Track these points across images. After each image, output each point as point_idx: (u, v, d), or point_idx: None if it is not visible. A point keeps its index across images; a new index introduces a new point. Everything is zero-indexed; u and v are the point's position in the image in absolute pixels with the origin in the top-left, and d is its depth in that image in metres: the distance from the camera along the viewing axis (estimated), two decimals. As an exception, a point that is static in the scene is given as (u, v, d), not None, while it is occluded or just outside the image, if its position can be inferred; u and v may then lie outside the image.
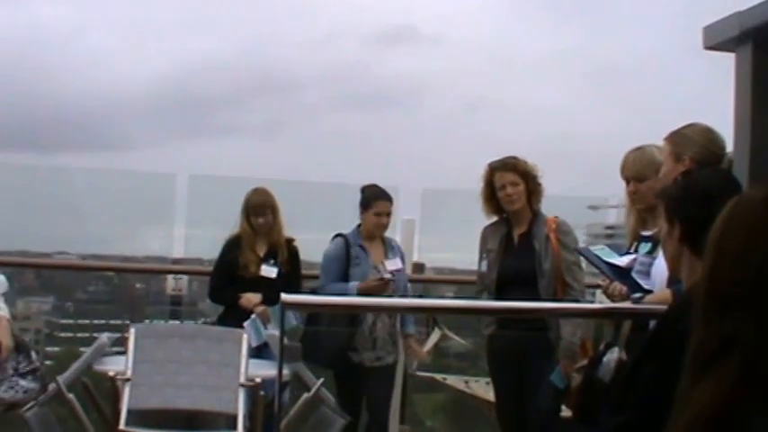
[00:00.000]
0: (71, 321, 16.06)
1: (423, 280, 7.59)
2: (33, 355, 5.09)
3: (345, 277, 6.69)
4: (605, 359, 4.52)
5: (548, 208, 6.27)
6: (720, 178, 3.14)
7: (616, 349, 4.50)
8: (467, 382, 7.80)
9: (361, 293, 6.50)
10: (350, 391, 6.73)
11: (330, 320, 6.60)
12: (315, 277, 7.67)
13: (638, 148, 5.16)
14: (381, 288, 6.57)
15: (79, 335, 14.75)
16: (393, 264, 6.79)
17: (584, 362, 5.05)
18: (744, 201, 2.04)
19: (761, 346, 1.85)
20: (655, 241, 5.14)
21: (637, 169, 5.11)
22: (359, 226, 6.90)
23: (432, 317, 7.24)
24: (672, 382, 2.65)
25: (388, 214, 6.82)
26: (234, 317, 6.51)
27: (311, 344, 6.60)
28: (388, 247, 6.91)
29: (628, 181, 5.12)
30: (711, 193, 2.83)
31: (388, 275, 6.64)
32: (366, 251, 6.77)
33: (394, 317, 6.74)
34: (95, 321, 14.59)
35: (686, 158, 4.33)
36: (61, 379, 5.49)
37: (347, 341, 6.59)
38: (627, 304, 4.51)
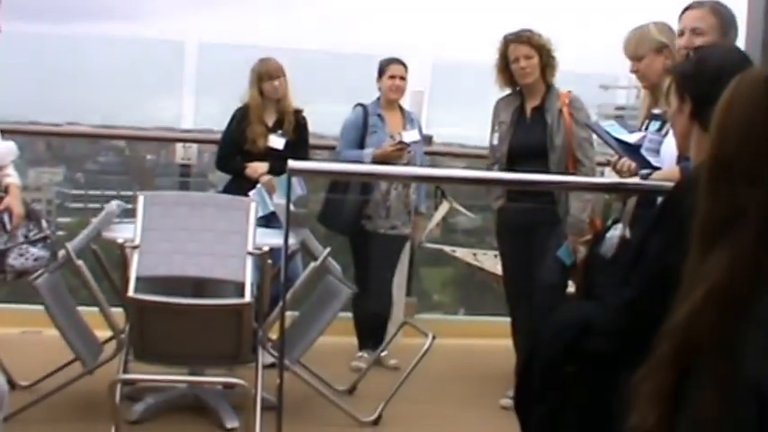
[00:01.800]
0: (82, 192, 16.08)
1: (432, 152, 7.58)
2: (44, 223, 5.10)
3: (362, 146, 6.74)
4: (608, 235, 4.53)
5: (559, 85, 6.23)
6: (734, 55, 3.09)
7: (620, 226, 4.51)
8: (475, 255, 7.82)
9: (376, 160, 6.55)
10: (362, 260, 6.84)
11: (344, 188, 6.67)
12: (324, 148, 7.72)
13: (637, 27, 5.18)
14: (397, 155, 6.62)
15: (90, 205, 14.79)
16: (411, 135, 6.84)
17: (589, 237, 5.08)
18: (747, 77, 2.04)
19: None
20: (663, 119, 5.13)
21: (634, 48, 5.12)
22: (378, 98, 6.94)
23: (440, 189, 7.26)
24: (679, 257, 2.66)
25: (402, 78, 6.92)
26: (239, 187, 6.55)
27: (328, 211, 6.71)
28: (407, 119, 6.96)
29: (630, 59, 5.14)
30: (723, 70, 2.79)
31: (404, 141, 6.68)
32: (384, 120, 6.86)
33: (408, 186, 6.79)
34: (106, 192, 14.58)
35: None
36: (71, 245, 5.51)
37: (360, 209, 6.67)
38: (635, 180, 4.51)
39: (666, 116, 5.15)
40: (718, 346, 1.86)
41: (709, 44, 4.09)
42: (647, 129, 4.83)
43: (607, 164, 5.50)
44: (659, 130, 4.83)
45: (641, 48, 5.12)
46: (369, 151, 6.71)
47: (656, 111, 5.21)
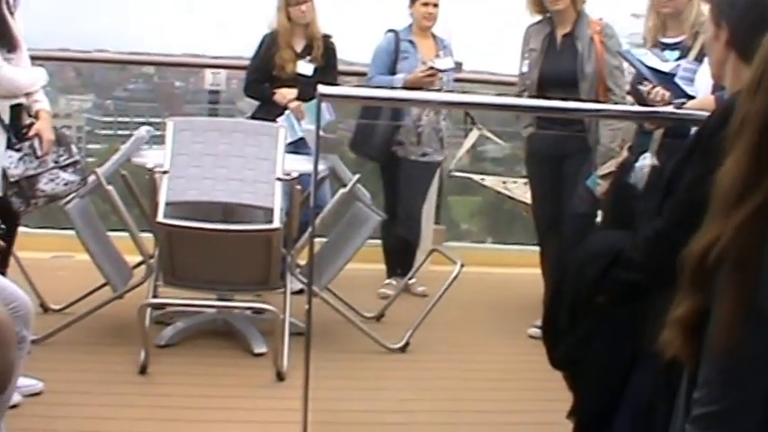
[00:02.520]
0: (111, 119, 16.11)
1: (461, 80, 7.52)
2: (74, 148, 5.09)
3: (393, 72, 6.70)
4: (638, 165, 4.50)
5: (590, 12, 6.15)
6: None
7: (648, 155, 4.48)
8: (504, 183, 7.77)
9: (407, 86, 6.51)
10: (392, 186, 6.83)
11: (376, 114, 6.63)
12: (353, 74, 7.68)
13: None
14: (429, 81, 6.57)
15: (119, 132, 14.82)
16: (444, 62, 6.78)
17: (611, 166, 5.03)
18: None
19: None
20: (683, 48, 5.06)
21: None
22: (410, 25, 6.89)
23: (470, 117, 7.21)
24: (710, 187, 2.62)
25: (435, 5, 6.83)
26: (268, 113, 6.52)
27: (359, 137, 6.69)
28: (440, 46, 6.90)
29: None
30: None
31: (435, 67, 6.63)
32: (416, 47, 6.80)
33: (439, 113, 6.75)
34: (135, 119, 14.60)
35: None
36: (101, 171, 5.51)
37: (392, 135, 6.64)
38: (668, 109, 4.46)
39: (682, 45, 5.12)
40: (748, 268, 1.84)
41: None
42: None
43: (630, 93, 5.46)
44: (678, 59, 4.79)
45: None
46: (400, 77, 6.65)
47: (666, 40, 5.16)
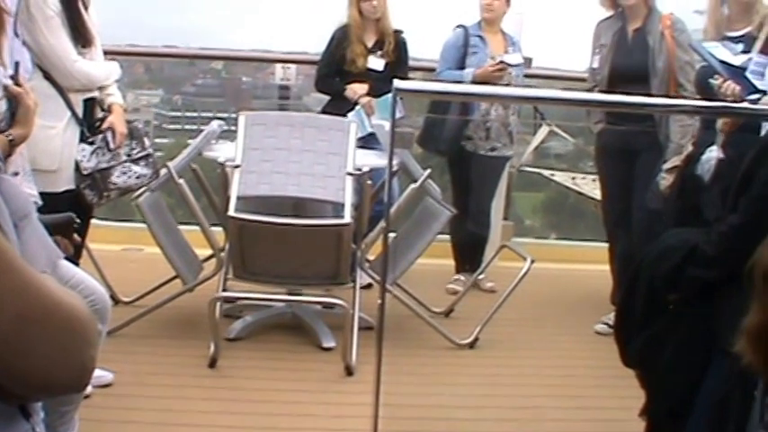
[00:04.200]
0: (179, 114, 16.23)
1: (530, 75, 7.46)
2: (146, 141, 5.12)
3: (462, 66, 6.65)
4: (704, 157, 4.43)
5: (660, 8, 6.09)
6: None
7: (714, 148, 4.41)
8: (574, 179, 7.72)
9: (476, 80, 6.47)
10: (461, 181, 6.80)
11: (445, 108, 6.59)
12: (421, 69, 7.65)
13: None
14: (498, 75, 6.52)
15: (187, 127, 14.93)
16: (513, 58, 6.72)
17: (676, 160, 4.96)
18: None
19: None
20: (747, 41, 4.99)
21: None
22: (479, 21, 6.86)
23: (539, 113, 7.16)
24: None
25: None
26: (338, 107, 6.49)
27: (428, 132, 6.67)
28: (509, 42, 6.85)
29: None
30: None
31: (505, 61, 6.58)
32: (485, 42, 6.75)
33: (507, 108, 6.70)
34: (203, 114, 14.69)
35: None
36: (172, 164, 5.52)
37: (461, 129, 6.60)
38: (741, 104, 4.39)
39: (746, 37, 5.04)
40: None
41: None
42: None
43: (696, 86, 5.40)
44: (743, 53, 4.72)
45: None
46: (469, 71, 6.60)
47: (732, 33, 5.09)
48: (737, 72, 4.52)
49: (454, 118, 6.60)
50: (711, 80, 4.81)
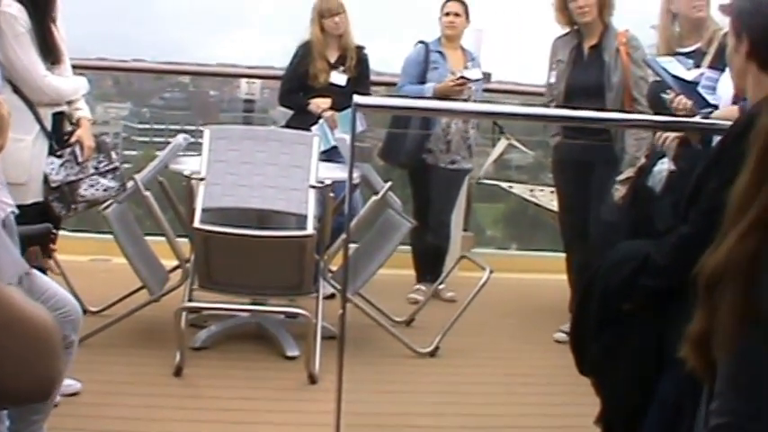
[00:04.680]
0: (147, 126, 16.19)
1: (489, 90, 7.50)
2: (113, 155, 5.12)
3: (423, 81, 6.70)
4: (656, 169, 4.48)
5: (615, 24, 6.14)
6: None
7: (666, 160, 4.45)
8: (532, 191, 7.77)
9: (437, 95, 6.51)
10: (422, 193, 6.83)
11: (406, 122, 6.63)
12: (383, 84, 7.68)
13: None
14: (458, 90, 6.56)
15: (155, 139, 14.89)
16: (473, 73, 6.78)
17: (630, 172, 5.01)
18: None
19: None
20: (697, 56, 5.04)
21: None
22: (439, 38, 6.92)
23: (498, 126, 7.20)
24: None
25: (457, 14, 6.83)
26: (302, 122, 6.51)
27: (389, 145, 6.70)
28: (469, 58, 6.90)
29: None
30: None
31: (465, 77, 6.63)
32: (445, 57, 6.79)
33: (467, 122, 6.75)
34: (171, 127, 14.65)
35: None
36: (139, 177, 5.52)
37: (422, 143, 6.63)
38: (695, 119, 4.43)
39: (697, 53, 5.10)
40: (745, 279, 1.83)
41: None
42: None
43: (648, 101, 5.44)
44: (696, 67, 4.77)
45: None
46: (430, 86, 6.64)
47: (683, 49, 5.15)
48: (690, 87, 4.56)
49: (415, 132, 6.63)
50: (664, 95, 4.86)
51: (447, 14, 6.86)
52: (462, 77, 6.64)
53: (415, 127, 6.67)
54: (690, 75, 4.60)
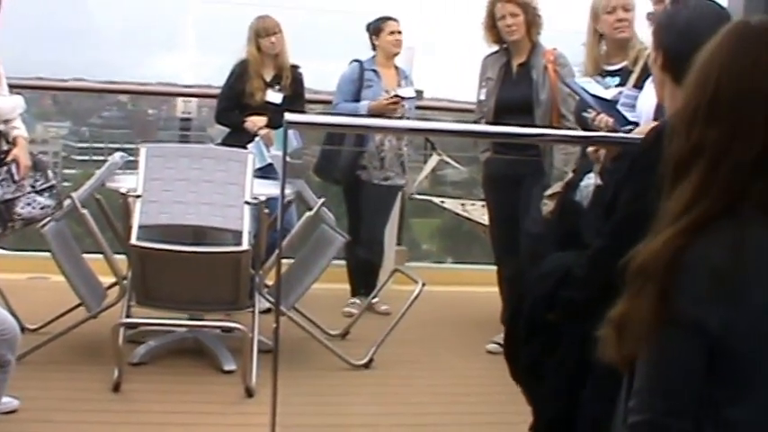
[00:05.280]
0: (87, 145, 16.05)
1: (421, 107, 7.55)
2: (50, 173, 5.10)
3: (358, 99, 6.74)
4: (582, 184, 4.53)
5: (544, 42, 6.20)
6: (706, 9, 2.90)
7: (592, 175, 4.50)
8: (463, 206, 7.80)
9: (371, 113, 6.54)
10: (356, 209, 6.85)
11: (340, 139, 6.66)
12: (319, 102, 7.71)
13: None
14: (392, 108, 6.61)
15: (94, 158, 14.75)
16: (406, 91, 6.82)
17: (557, 186, 5.07)
18: (733, 29, 2.04)
19: (724, 150, 1.90)
20: (623, 74, 5.12)
21: None
22: (373, 56, 6.94)
23: (430, 142, 7.25)
24: (645, 206, 2.65)
25: (400, 32, 6.88)
26: (238, 139, 6.52)
27: (324, 162, 6.72)
28: (402, 76, 6.94)
29: (613, 10, 5.16)
30: (692, 24, 2.72)
31: (399, 95, 6.67)
32: (379, 76, 6.82)
33: (401, 139, 6.79)
34: (110, 145, 14.55)
35: None
36: (76, 195, 5.49)
37: (356, 159, 6.66)
38: (617, 134, 4.48)
39: (623, 71, 5.18)
40: (667, 277, 1.88)
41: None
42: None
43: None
44: (619, 85, 4.83)
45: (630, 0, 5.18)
46: (364, 104, 6.68)
47: (610, 67, 5.22)
48: (609, 105, 4.61)
49: (349, 149, 6.66)
50: (585, 113, 4.93)
51: (392, 33, 6.90)
52: (396, 96, 6.68)
53: (350, 144, 6.70)
54: (608, 93, 4.64)
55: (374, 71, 6.87)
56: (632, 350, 1.94)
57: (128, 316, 5.53)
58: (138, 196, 5.33)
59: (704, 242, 1.89)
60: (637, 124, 4.41)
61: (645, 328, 1.89)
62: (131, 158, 5.91)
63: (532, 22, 6.07)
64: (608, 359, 2.00)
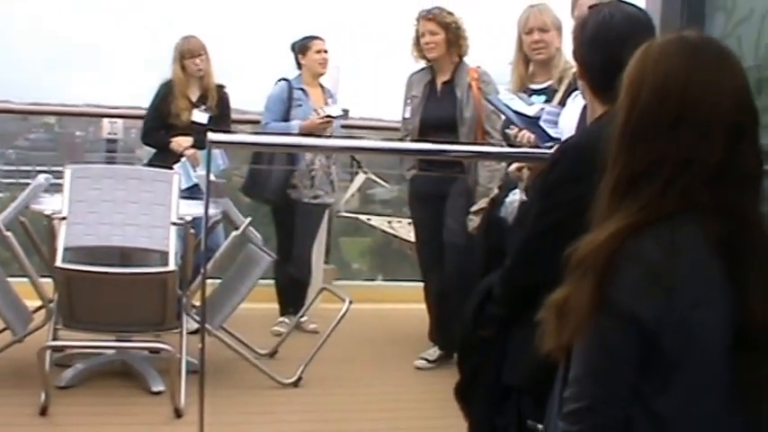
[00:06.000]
0: (13, 168, 15.86)
1: (349, 126, 7.58)
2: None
3: (287, 118, 6.71)
4: (507, 200, 4.57)
5: (472, 61, 6.26)
6: (619, 18, 2.78)
7: (517, 191, 4.55)
8: (390, 223, 7.84)
9: (303, 132, 6.54)
10: (285, 228, 6.84)
11: (269, 159, 6.65)
12: (247, 122, 7.70)
13: (540, 3, 5.40)
14: (324, 127, 6.62)
15: (21, 180, 14.58)
16: (333, 110, 6.82)
17: (483, 203, 5.12)
18: (656, 44, 2.08)
19: (684, 163, 1.95)
20: (549, 93, 5.19)
21: (543, 20, 5.25)
22: (299, 75, 6.93)
23: (356, 161, 7.27)
24: (553, 221, 2.68)
25: (326, 51, 6.88)
26: (164, 160, 6.49)
27: (252, 181, 6.70)
28: (327, 95, 6.95)
29: (530, 32, 5.23)
30: (603, 34, 2.75)
31: (331, 114, 6.68)
32: (307, 94, 6.82)
33: (329, 158, 6.80)
34: (37, 168, 14.39)
35: None
36: (0, 218, 5.44)
37: (288, 179, 6.64)
38: (540, 150, 4.52)
39: (549, 89, 5.25)
40: (606, 269, 1.93)
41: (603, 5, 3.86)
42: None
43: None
44: (545, 103, 4.89)
45: (548, 21, 5.25)
46: (296, 123, 6.66)
47: (535, 86, 5.29)
48: (531, 122, 4.65)
49: (277, 167, 6.64)
50: (508, 130, 4.99)
51: (318, 52, 6.90)
52: (329, 116, 6.69)
53: (280, 163, 6.68)
54: (531, 110, 4.69)
55: (302, 90, 6.87)
56: (570, 337, 1.99)
57: (54, 339, 5.45)
58: (64, 218, 5.29)
59: (641, 239, 1.94)
60: (559, 140, 4.46)
61: (582, 316, 1.95)
62: (57, 181, 5.86)
63: (453, 42, 6.11)
64: (546, 348, 2.05)
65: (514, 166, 4.63)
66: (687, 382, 1.96)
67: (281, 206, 6.86)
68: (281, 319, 6.89)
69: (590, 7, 3.15)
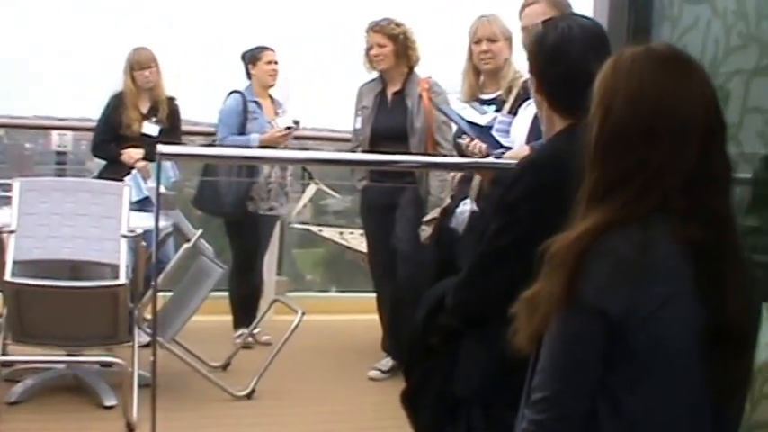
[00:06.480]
0: (-38, 179, 15.67)
1: (301, 137, 7.56)
2: None
3: (243, 131, 6.66)
4: (458, 210, 4.59)
5: (427, 71, 6.28)
6: (578, 31, 2.81)
7: (468, 201, 4.57)
8: (341, 234, 7.85)
9: (263, 145, 6.50)
10: (239, 240, 6.80)
11: (229, 171, 6.60)
12: (199, 134, 7.66)
13: (490, 14, 5.44)
14: (284, 140, 6.60)
15: (-30, 194, 14.42)
16: (285, 121, 6.78)
17: (435, 213, 5.13)
18: (626, 55, 2.11)
19: (660, 171, 2.00)
20: (498, 103, 5.21)
21: (492, 30, 5.28)
22: (249, 85, 6.87)
23: (308, 172, 7.26)
24: (509, 239, 2.69)
25: (276, 62, 6.84)
26: (115, 172, 6.45)
27: (203, 194, 6.65)
28: (277, 105, 6.92)
29: (479, 41, 5.27)
30: (563, 48, 2.76)
31: (289, 125, 6.65)
32: (261, 107, 6.78)
33: (285, 169, 6.77)
34: (-14, 181, 14.25)
35: None
36: (-54, 233, 5.37)
37: (247, 191, 6.59)
38: (490, 159, 4.54)
39: (498, 100, 5.27)
40: (576, 266, 1.97)
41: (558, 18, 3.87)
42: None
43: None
44: (496, 112, 4.91)
45: (497, 31, 5.28)
46: (255, 136, 6.56)
47: (485, 96, 5.32)
48: (483, 131, 4.67)
49: (226, 179, 6.59)
50: (459, 140, 5.00)
51: (269, 63, 6.85)
52: (288, 128, 6.63)
53: (232, 175, 6.62)
54: (483, 119, 4.72)
55: (256, 102, 6.81)
56: (540, 327, 2.02)
57: (3, 354, 5.41)
58: (12, 231, 5.25)
59: (613, 237, 1.98)
60: (510, 149, 4.48)
61: (551, 307, 1.98)
62: (6, 194, 5.80)
63: (402, 53, 6.12)
64: (517, 341, 2.07)
65: (456, 179, 4.67)
66: (656, 381, 1.99)
67: (236, 218, 6.80)
68: (240, 331, 6.82)
69: (544, 22, 3.16)
